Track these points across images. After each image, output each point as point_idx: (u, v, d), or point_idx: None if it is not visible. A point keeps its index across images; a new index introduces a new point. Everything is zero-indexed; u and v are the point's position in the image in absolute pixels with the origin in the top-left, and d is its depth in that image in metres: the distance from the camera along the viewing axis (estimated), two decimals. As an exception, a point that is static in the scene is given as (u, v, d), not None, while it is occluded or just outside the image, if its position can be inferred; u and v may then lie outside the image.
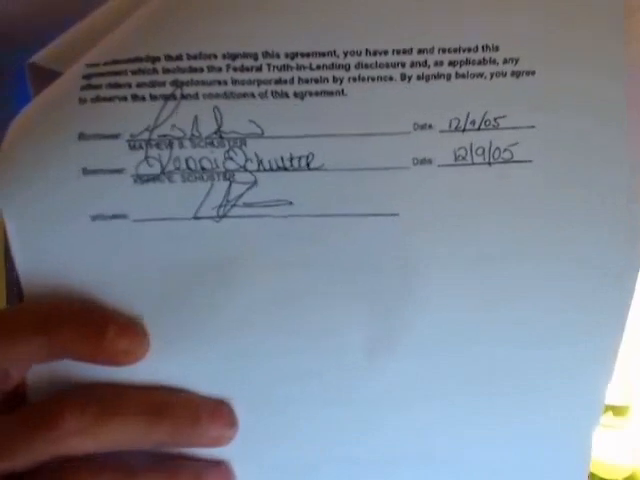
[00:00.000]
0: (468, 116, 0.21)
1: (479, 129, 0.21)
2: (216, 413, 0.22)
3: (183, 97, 0.20)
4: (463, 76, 0.21)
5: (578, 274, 0.22)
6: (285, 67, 0.20)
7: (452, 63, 0.20)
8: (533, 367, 0.23)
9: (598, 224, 0.22)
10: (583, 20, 0.21)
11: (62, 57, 0.23)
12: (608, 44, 0.21)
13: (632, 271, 0.22)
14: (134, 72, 0.20)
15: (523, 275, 0.22)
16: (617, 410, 0.79)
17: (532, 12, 0.21)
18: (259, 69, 0.20)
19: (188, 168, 0.21)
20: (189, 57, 0.20)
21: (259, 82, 0.20)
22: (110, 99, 0.20)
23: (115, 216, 0.21)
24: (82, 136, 0.21)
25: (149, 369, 0.22)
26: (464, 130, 0.21)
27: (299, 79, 0.20)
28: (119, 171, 0.21)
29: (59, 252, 0.21)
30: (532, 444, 0.24)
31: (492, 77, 0.21)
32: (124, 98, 0.20)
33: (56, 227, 0.21)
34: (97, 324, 0.21)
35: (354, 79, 0.20)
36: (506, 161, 0.21)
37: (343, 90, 0.20)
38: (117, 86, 0.20)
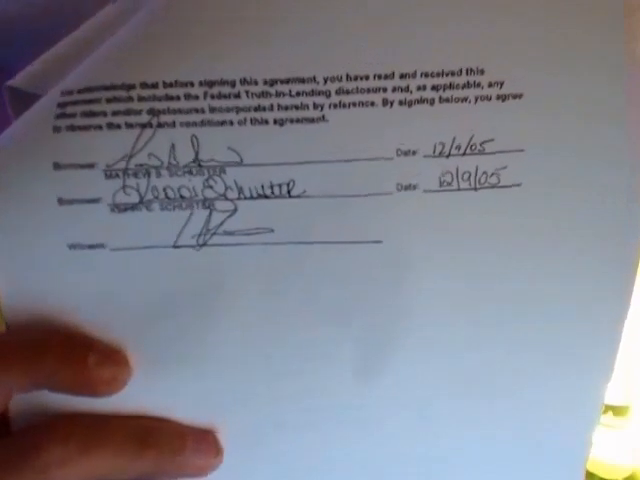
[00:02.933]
0: (453, 141, 0.20)
1: (464, 154, 0.20)
2: (201, 442, 0.22)
3: (159, 125, 0.20)
4: (447, 100, 0.20)
5: (575, 283, 0.22)
6: (264, 94, 0.20)
7: (435, 87, 0.20)
8: (529, 373, 0.23)
9: (600, 239, 0.22)
10: (582, 27, 0.20)
11: (39, 80, 0.23)
12: (607, 49, 0.20)
13: (630, 279, 0.22)
14: (109, 100, 0.20)
15: (515, 292, 0.22)
16: (617, 410, 0.79)
17: (519, 33, 0.20)
18: (237, 96, 0.20)
19: (167, 197, 0.20)
20: (165, 85, 0.20)
21: (237, 109, 0.20)
22: (85, 128, 0.20)
23: (92, 246, 0.21)
24: (57, 166, 0.20)
25: (132, 397, 0.21)
26: (449, 155, 0.20)
27: (278, 106, 0.20)
28: (95, 201, 0.20)
29: (38, 281, 0.21)
30: (531, 446, 0.24)
31: (477, 101, 0.20)
32: (99, 127, 0.20)
33: (34, 256, 0.21)
34: (78, 354, 0.20)
35: (335, 105, 0.20)
36: (493, 186, 0.21)
37: (324, 116, 0.20)
38: (92, 114, 0.20)
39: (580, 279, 0.22)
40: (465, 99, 0.20)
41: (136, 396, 0.22)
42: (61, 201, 0.20)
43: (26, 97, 0.23)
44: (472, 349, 0.22)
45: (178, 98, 0.20)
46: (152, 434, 0.21)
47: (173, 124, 0.20)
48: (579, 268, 0.22)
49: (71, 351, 0.20)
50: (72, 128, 0.20)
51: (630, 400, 0.80)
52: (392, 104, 0.20)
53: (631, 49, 0.20)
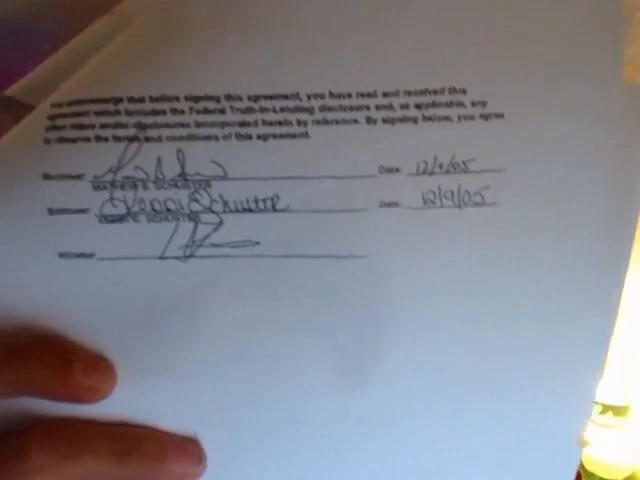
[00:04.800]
0: (436, 159, 0.20)
1: (447, 172, 0.21)
2: (183, 449, 0.22)
3: (146, 139, 0.20)
4: (430, 119, 0.20)
5: (560, 302, 0.22)
6: (248, 110, 0.20)
7: (418, 106, 0.20)
8: (516, 380, 0.23)
9: (585, 256, 0.22)
10: (564, 48, 0.20)
11: (34, 91, 0.23)
12: (589, 69, 0.21)
13: (618, 289, 0.22)
14: (97, 113, 0.20)
15: (499, 310, 0.22)
16: (617, 410, 0.79)
17: (501, 53, 0.20)
18: (222, 111, 0.20)
19: (153, 209, 0.21)
20: (152, 99, 0.20)
21: (222, 124, 0.20)
22: (74, 140, 0.20)
23: (81, 255, 0.21)
24: (47, 176, 0.20)
25: (116, 404, 0.22)
26: (432, 173, 0.21)
27: (263, 121, 0.20)
28: (84, 211, 0.21)
29: (26, 288, 0.21)
30: (525, 445, 0.24)
31: (460, 120, 0.20)
32: (87, 139, 0.20)
33: (22, 264, 0.21)
34: (63, 361, 0.21)
35: (318, 122, 0.20)
36: (477, 204, 0.21)
37: (307, 132, 0.20)
38: (81, 127, 0.20)
39: (566, 297, 0.22)
40: (448, 118, 0.20)
41: (120, 403, 0.22)
42: (51, 210, 0.21)
43: (21, 107, 0.23)
44: (455, 363, 0.22)
45: (164, 112, 0.20)
46: (134, 441, 0.22)
47: (159, 138, 0.20)
48: (565, 286, 0.22)
49: (56, 359, 0.21)
50: (62, 140, 0.20)
51: (630, 400, 0.80)
52: (375, 122, 0.20)
53: (631, 49, 0.20)
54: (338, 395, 0.23)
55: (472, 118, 0.20)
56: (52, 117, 0.20)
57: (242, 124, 0.20)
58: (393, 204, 0.21)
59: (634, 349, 0.72)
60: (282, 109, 0.20)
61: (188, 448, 0.22)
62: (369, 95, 0.20)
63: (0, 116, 0.24)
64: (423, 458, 0.24)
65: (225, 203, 0.21)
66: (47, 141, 0.20)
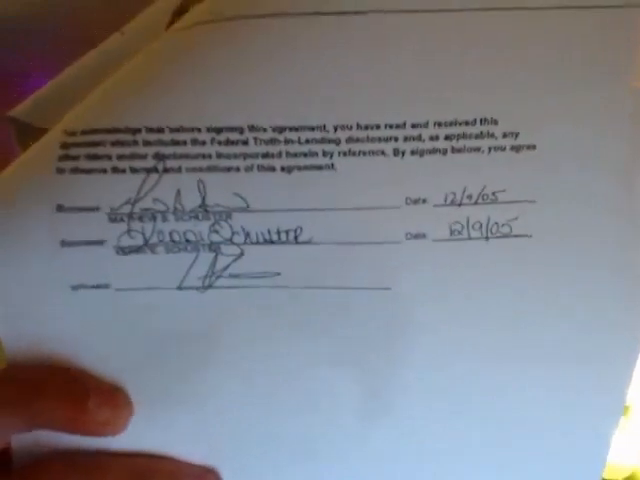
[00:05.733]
0: (465, 190, 0.20)
1: (476, 203, 0.20)
2: None
3: (165, 170, 0.19)
4: (460, 150, 0.20)
5: (586, 338, 0.22)
6: (272, 141, 0.19)
7: (448, 137, 0.19)
8: (538, 412, 0.22)
9: (607, 297, 0.21)
10: (597, 79, 0.20)
11: (42, 113, 0.22)
12: (621, 102, 0.20)
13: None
14: (114, 143, 0.19)
15: (524, 341, 0.22)
16: (618, 410, 0.79)
17: (534, 84, 0.19)
18: (245, 143, 0.19)
19: (172, 240, 0.20)
20: (171, 130, 0.19)
21: (245, 156, 0.19)
22: (89, 171, 0.20)
23: (97, 286, 0.20)
24: (60, 208, 0.20)
25: (132, 436, 0.21)
26: (460, 204, 0.20)
27: (287, 153, 0.19)
28: (99, 242, 0.20)
29: (40, 321, 0.21)
30: (551, 455, 0.23)
31: (490, 151, 0.20)
32: (103, 170, 0.19)
33: (36, 296, 0.21)
34: (78, 395, 0.20)
35: (344, 153, 0.19)
36: (505, 236, 0.20)
37: (333, 164, 0.20)
38: (96, 158, 0.19)
39: (593, 332, 0.22)
40: (478, 149, 0.20)
41: (136, 435, 0.21)
42: (64, 243, 0.20)
43: (29, 128, 0.23)
44: (477, 397, 0.22)
45: (185, 143, 0.19)
46: (151, 474, 0.21)
47: (179, 169, 0.19)
48: (591, 320, 0.21)
49: (71, 392, 0.20)
50: (76, 171, 0.20)
51: (630, 400, 0.80)
52: (403, 154, 0.20)
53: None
54: (357, 425, 0.22)
55: (503, 149, 0.20)
56: (65, 146, 0.20)
57: (265, 155, 0.19)
58: (420, 235, 0.20)
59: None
60: (307, 140, 0.19)
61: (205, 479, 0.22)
62: (397, 126, 0.19)
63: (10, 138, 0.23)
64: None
65: (247, 234, 0.20)
66: (60, 171, 0.20)
